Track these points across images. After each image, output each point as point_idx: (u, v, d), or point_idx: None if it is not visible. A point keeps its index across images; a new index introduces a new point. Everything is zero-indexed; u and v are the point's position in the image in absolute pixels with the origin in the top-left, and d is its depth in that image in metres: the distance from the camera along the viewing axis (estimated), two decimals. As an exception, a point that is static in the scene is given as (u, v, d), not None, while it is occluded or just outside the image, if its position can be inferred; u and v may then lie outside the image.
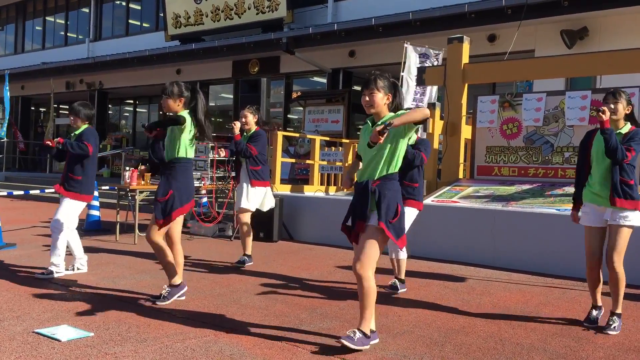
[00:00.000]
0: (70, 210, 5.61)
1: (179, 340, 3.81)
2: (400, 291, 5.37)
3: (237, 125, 6.38)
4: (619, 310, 4.32)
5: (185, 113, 4.72)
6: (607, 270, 4.30)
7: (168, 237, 4.86)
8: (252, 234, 6.65)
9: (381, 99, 3.70)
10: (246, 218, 6.51)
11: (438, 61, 10.77)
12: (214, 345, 3.72)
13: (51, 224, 5.62)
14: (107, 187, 10.84)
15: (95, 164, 5.79)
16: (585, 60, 8.03)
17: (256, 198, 6.54)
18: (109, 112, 22.99)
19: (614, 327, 4.25)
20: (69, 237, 5.71)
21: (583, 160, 4.48)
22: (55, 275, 5.57)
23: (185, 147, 4.74)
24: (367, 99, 3.72)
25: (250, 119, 6.54)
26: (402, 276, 5.46)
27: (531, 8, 10.38)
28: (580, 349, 3.86)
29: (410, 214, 5.28)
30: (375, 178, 3.67)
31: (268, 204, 6.75)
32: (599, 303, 4.48)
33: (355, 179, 3.86)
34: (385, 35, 12.75)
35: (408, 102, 10.65)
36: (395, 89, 3.76)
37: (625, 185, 4.19)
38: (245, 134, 6.54)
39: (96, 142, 5.69)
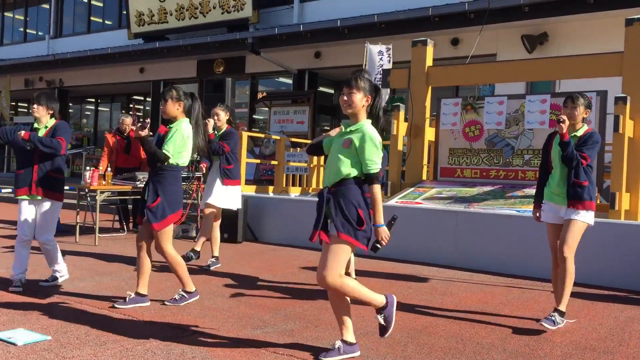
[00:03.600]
0: (56, 215, 5.22)
1: (140, 343, 3.75)
2: None
3: (211, 123, 6.32)
4: (562, 308, 4.34)
5: (185, 121, 4.72)
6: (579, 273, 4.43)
7: (147, 244, 4.72)
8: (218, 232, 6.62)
9: (360, 100, 3.51)
10: (211, 214, 6.43)
11: (390, 57, 10.82)
12: (175, 348, 3.67)
13: (42, 238, 5.09)
14: (66, 187, 10.60)
15: (64, 159, 5.35)
16: (545, 65, 8.21)
17: (226, 196, 6.46)
18: (70, 110, 22.51)
19: (553, 320, 4.25)
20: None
21: (545, 162, 4.67)
22: (60, 280, 5.33)
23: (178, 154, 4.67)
24: (346, 98, 3.52)
25: (223, 116, 6.51)
26: (353, 275, 5.60)
27: (493, 13, 10.58)
28: (539, 348, 3.95)
29: None
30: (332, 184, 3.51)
31: (238, 203, 6.67)
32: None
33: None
34: (351, 37, 12.82)
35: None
36: (376, 92, 3.59)
37: (578, 187, 4.34)
38: (216, 132, 6.48)
39: (69, 138, 5.27)
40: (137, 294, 4.69)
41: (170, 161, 4.63)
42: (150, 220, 4.55)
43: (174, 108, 4.71)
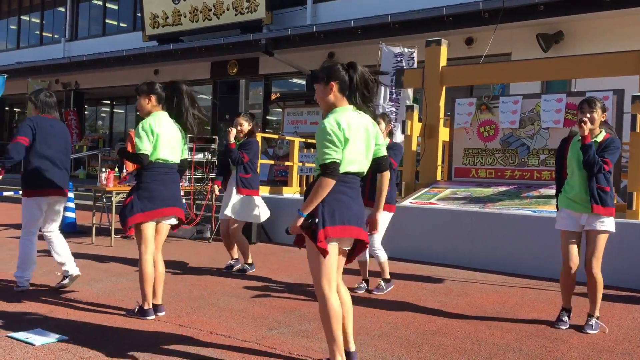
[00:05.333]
0: (24, 211, 5.10)
1: (156, 343, 3.78)
2: (386, 291, 5.48)
3: (233, 132, 6.19)
4: (597, 314, 4.41)
5: (152, 116, 4.49)
6: (583, 273, 4.40)
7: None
8: (236, 240, 6.38)
9: (322, 92, 3.24)
10: (225, 226, 6.29)
11: (413, 60, 10.81)
12: (191, 349, 3.69)
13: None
14: (83, 189, 10.70)
15: (39, 153, 5.00)
16: (561, 64, 8.14)
17: (242, 206, 6.23)
18: (86, 112, 22.72)
19: (592, 326, 4.34)
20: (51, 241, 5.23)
21: (560, 167, 4.59)
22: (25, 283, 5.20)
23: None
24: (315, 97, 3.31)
25: (246, 126, 6.32)
26: (387, 276, 5.54)
27: (508, 12, 10.51)
28: (555, 349, 3.91)
29: (384, 218, 5.43)
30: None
31: (264, 214, 6.42)
32: (570, 305, 4.53)
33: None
34: (364, 38, 12.80)
35: (384, 103, 10.70)
36: (349, 70, 3.21)
37: (602, 192, 4.28)
38: (237, 141, 6.32)
39: (28, 131, 4.93)
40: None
41: (150, 158, 4.40)
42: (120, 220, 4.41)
43: (145, 103, 4.52)
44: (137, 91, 4.56)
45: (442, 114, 8.72)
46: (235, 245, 6.40)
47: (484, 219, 6.89)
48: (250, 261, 6.36)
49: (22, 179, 5.07)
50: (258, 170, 9.72)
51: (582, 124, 4.22)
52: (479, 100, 8.48)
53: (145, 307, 4.37)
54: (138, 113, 4.64)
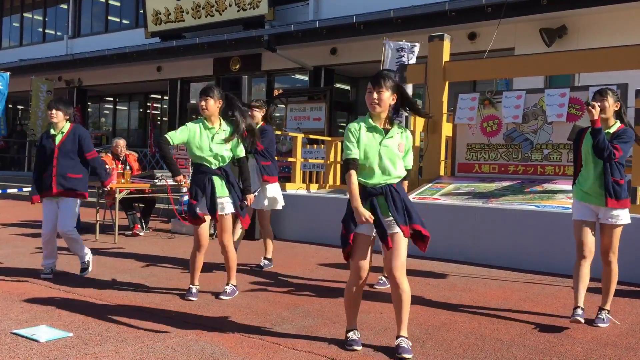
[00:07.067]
0: (76, 210, 5.61)
1: (160, 339, 3.79)
2: (387, 286, 5.45)
3: None
4: (607, 307, 4.42)
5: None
6: (597, 266, 4.44)
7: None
8: (272, 234, 6.44)
9: (388, 98, 3.59)
10: (266, 218, 6.31)
11: (413, 54, 10.77)
12: (195, 345, 3.70)
13: (63, 230, 5.43)
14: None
15: (85, 159, 5.70)
16: (564, 58, 8.11)
17: (268, 195, 6.24)
18: (89, 110, 22.74)
19: (604, 319, 4.34)
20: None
21: (576, 159, 4.58)
22: (90, 267, 5.68)
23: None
24: (375, 96, 3.56)
25: (257, 113, 6.26)
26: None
27: (511, 6, 10.47)
28: (559, 344, 3.91)
29: None
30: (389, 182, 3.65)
31: (272, 203, 6.39)
32: (582, 305, 4.34)
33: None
34: (367, 33, 12.77)
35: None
36: (400, 91, 3.64)
37: (617, 185, 4.27)
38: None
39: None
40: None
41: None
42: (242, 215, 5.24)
43: (214, 106, 4.94)
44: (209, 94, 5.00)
45: (445, 109, 8.70)
46: (265, 239, 6.40)
47: (488, 215, 6.88)
48: (269, 256, 6.38)
49: (81, 181, 5.55)
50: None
51: (591, 107, 4.22)
52: (482, 96, 8.46)
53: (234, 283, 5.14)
54: (204, 114, 4.97)
